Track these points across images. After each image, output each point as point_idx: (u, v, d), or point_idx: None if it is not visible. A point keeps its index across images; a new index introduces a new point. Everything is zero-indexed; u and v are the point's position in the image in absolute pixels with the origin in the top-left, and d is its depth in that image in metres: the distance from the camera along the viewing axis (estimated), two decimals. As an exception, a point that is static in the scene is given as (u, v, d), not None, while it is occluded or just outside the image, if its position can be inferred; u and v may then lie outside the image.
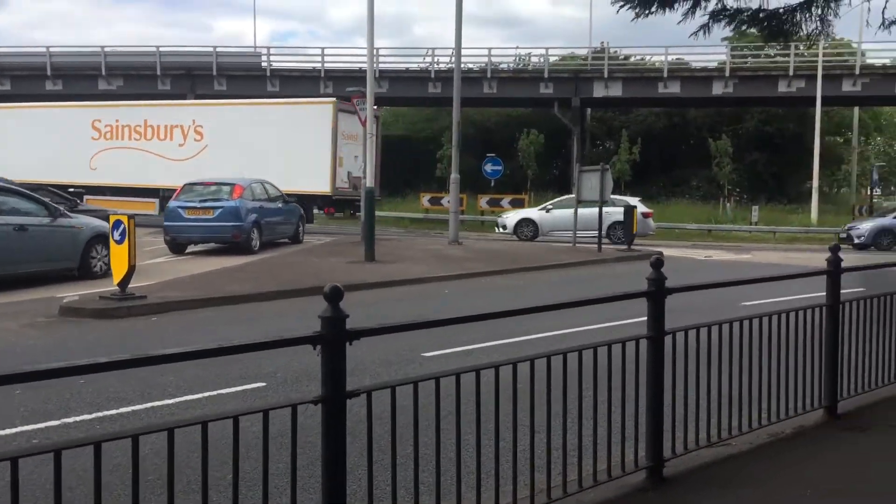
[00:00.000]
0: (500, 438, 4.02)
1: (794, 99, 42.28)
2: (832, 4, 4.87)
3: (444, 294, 14.24)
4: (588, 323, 9.48)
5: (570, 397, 4.45)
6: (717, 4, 4.81)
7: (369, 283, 14.69)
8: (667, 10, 4.72)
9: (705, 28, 5.12)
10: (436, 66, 42.55)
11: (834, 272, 6.23)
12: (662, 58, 42.32)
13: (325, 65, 43.76)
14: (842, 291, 6.29)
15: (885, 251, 27.29)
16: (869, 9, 4.71)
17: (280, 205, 22.23)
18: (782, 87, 40.56)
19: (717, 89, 41.26)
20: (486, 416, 3.98)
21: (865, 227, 29.58)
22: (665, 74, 41.23)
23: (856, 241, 28.68)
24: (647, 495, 4.58)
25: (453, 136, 23.97)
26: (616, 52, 49.13)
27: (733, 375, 5.35)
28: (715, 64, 42.19)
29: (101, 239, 14.48)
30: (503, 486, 4.09)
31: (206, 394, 7.06)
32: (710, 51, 41.01)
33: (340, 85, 36.16)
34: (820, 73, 38.15)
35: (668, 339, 4.90)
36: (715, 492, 4.64)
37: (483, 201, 35.83)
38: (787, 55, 39.85)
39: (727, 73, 40.62)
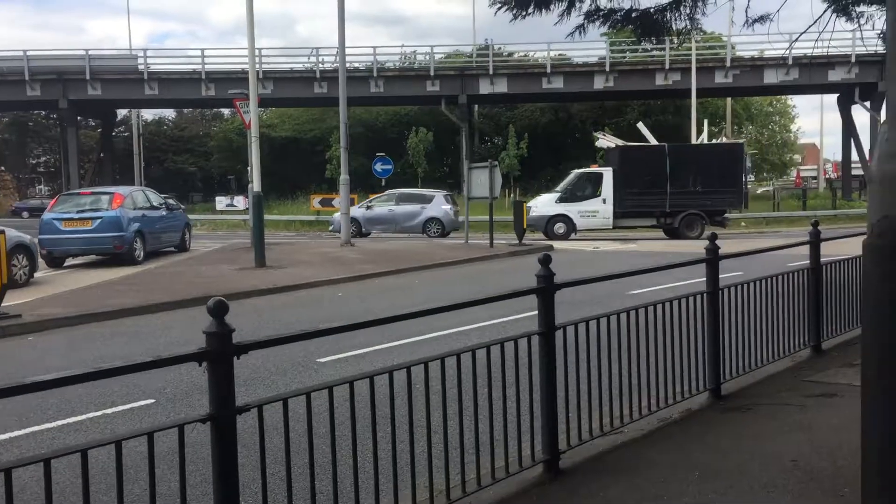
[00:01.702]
0: (397, 442, 3.99)
1: (670, 91, 44.04)
2: (700, 4, 5.08)
3: (338, 297, 14.10)
4: (483, 319, 9.57)
5: (466, 397, 4.47)
6: (591, 5, 4.94)
7: (261, 290, 14.39)
8: (543, 11, 4.81)
9: (580, 28, 5.25)
10: (321, 65, 42.09)
11: (713, 259, 6.49)
12: (545, 54, 43.24)
13: (206, 66, 42.61)
14: (721, 276, 6.57)
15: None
16: (733, 7, 4.94)
17: (164, 212, 21.49)
18: (659, 80, 42.17)
19: (599, 83, 42.51)
20: (382, 421, 3.94)
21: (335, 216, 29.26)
22: (548, 70, 42.17)
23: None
24: (545, 488, 4.65)
25: (341, 136, 23.76)
26: (500, 48, 49.87)
27: (623, 365, 5.50)
28: (595, 59, 43.42)
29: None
30: (402, 489, 4.06)
31: (91, 415, 6.74)
32: (591, 46, 42.19)
33: (223, 87, 35.33)
34: (694, 66, 39.83)
35: (559, 334, 4.99)
36: (609, 479, 4.75)
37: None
38: (663, 49, 41.43)
39: (607, 68, 41.89)
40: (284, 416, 3.52)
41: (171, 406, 6.97)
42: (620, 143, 31.92)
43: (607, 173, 29.21)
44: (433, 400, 4.17)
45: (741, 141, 31.65)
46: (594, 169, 30.78)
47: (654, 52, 43.60)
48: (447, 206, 30.16)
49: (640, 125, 33.33)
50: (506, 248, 22.16)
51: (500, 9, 4.92)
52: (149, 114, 64.54)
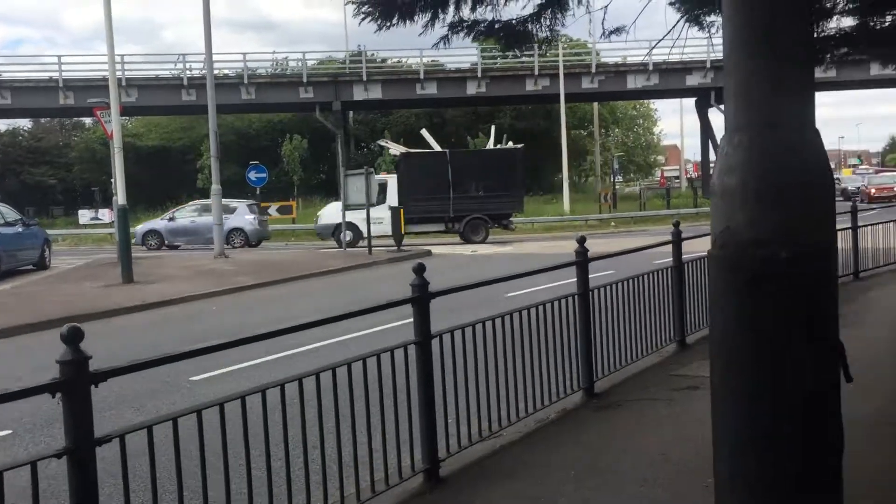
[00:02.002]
0: (271, 460, 3.89)
1: (540, 96, 45.14)
2: (559, 16, 5.22)
3: (212, 311, 13.66)
4: (363, 328, 9.49)
5: (345, 410, 4.41)
6: (454, 17, 4.97)
7: (128, 308, 13.77)
8: (408, 21, 4.81)
9: (445, 39, 5.29)
10: (189, 72, 40.73)
11: (582, 262, 6.67)
12: (418, 60, 43.48)
13: (64, 74, 40.43)
14: (592, 276, 6.77)
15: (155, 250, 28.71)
16: (590, 20, 5.11)
17: (20, 229, 20.25)
18: (529, 86, 43.16)
19: (471, 89, 43.09)
20: (255, 441, 3.82)
21: (138, 228, 30.05)
22: (422, 76, 42.40)
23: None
24: (425, 498, 4.64)
25: (211, 145, 23.09)
26: (374, 55, 49.84)
27: (500, 369, 5.57)
28: (468, 65, 44.02)
29: None
30: (279, 509, 3.96)
31: (-62, 452, 6.24)
32: (463, 53, 42.74)
33: (82, 95, 33.59)
34: (562, 72, 41.02)
35: (435, 342, 5.00)
36: (488, 484, 4.79)
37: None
38: (532, 56, 42.47)
39: (479, 74, 42.52)
40: (150, 444, 3.37)
41: (29, 437, 6.55)
42: (404, 149, 32.02)
43: (392, 180, 29.25)
44: (310, 415, 4.10)
45: (518, 146, 32.28)
46: (380, 176, 30.47)
47: (524, 59, 44.59)
48: (250, 217, 30.07)
49: (424, 132, 32.87)
50: (385, 254, 22.12)
51: (364, 19, 4.89)
52: (1, 124, 60.73)
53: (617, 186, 50.14)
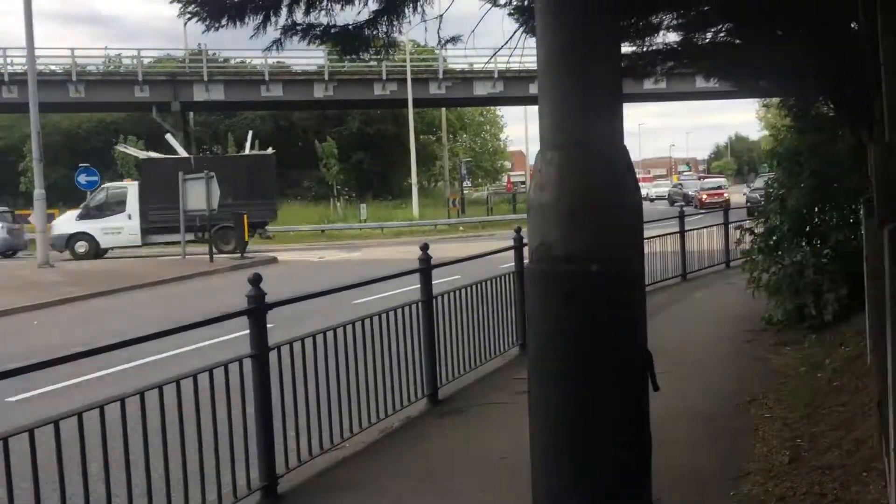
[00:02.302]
0: (91, 484, 3.63)
1: (389, 101, 45.25)
2: (395, 23, 5.20)
3: (34, 326, 12.72)
4: (202, 339, 9.10)
5: (174, 429, 4.18)
6: (287, 20, 4.83)
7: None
8: (238, 23, 4.63)
9: (278, 43, 5.14)
10: (9, 67, 37.90)
11: (426, 269, 6.69)
12: (263, 61, 42.49)
13: None
14: (439, 282, 6.80)
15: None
16: (426, 29, 5.12)
17: None
18: (378, 90, 43.17)
19: (319, 92, 42.59)
20: (73, 464, 3.55)
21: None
22: (267, 77, 41.48)
23: None
24: (262, 517, 4.48)
25: (33, 146, 21.57)
26: (216, 54, 48.23)
27: (342, 379, 5.47)
28: (315, 67, 43.48)
29: None
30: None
31: None
32: (310, 55, 42.16)
33: None
34: (409, 77, 41.31)
35: (273, 354, 4.84)
36: (329, 497, 4.70)
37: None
38: (381, 60, 42.51)
39: (326, 77, 42.09)
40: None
41: None
42: (143, 154, 30.49)
43: (132, 188, 27.68)
44: (136, 436, 3.86)
45: (270, 152, 31.42)
46: (120, 183, 29.11)
47: (373, 63, 44.60)
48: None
49: (168, 137, 31.34)
50: (227, 262, 21.43)
51: (191, 19, 4.67)
52: None
53: (465, 191, 51.06)
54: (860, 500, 3.76)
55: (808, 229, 8.95)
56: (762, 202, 26.03)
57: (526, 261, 2.06)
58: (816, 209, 9.01)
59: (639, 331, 1.95)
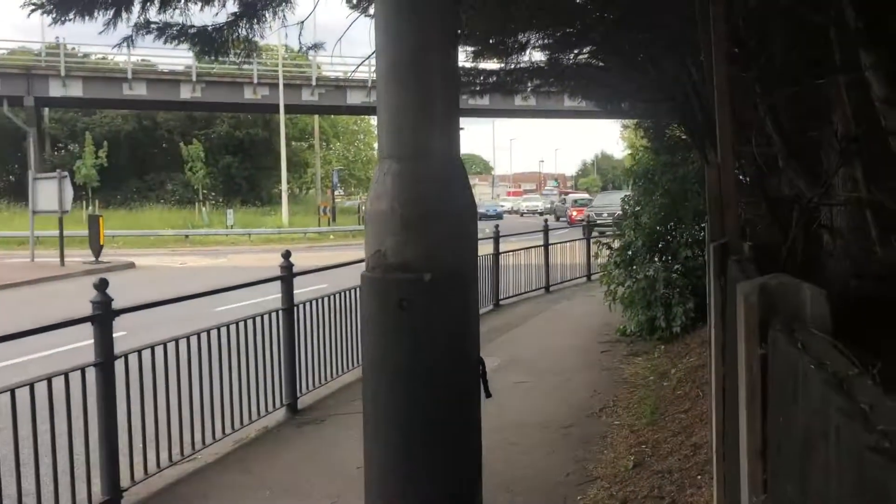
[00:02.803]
0: None
1: (260, 105, 44.36)
2: (255, 26, 5.10)
3: None
4: (45, 348, 8.59)
5: (6, 441, 3.92)
6: (140, 17, 4.64)
7: None
8: (87, 17, 4.40)
9: (129, 40, 4.93)
10: None
11: (287, 276, 6.59)
12: (126, 58, 40.74)
13: None
14: (305, 290, 6.70)
15: None
16: (287, 34, 5.05)
17: None
18: (248, 94, 42.25)
19: (186, 93, 41.26)
20: None
21: None
22: (130, 76, 39.81)
23: None
24: (104, 534, 4.27)
25: None
26: (75, 48, 45.86)
27: (195, 388, 5.30)
28: (182, 67, 42.09)
29: None
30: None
31: None
32: (177, 54, 40.84)
33: None
34: (281, 82, 40.68)
35: (120, 363, 4.64)
36: (177, 513, 4.53)
37: None
38: (251, 63, 41.62)
39: (194, 78, 40.84)
40: None
41: None
42: None
43: None
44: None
45: None
46: None
47: (244, 66, 43.60)
48: None
49: None
50: (81, 266, 20.33)
51: (35, 10, 4.40)
52: None
53: (337, 200, 50.63)
54: (694, 502, 3.98)
55: (660, 245, 9.42)
56: (596, 220, 27.93)
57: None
58: (669, 226, 9.49)
59: (472, 338, 2.00)
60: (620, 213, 20.77)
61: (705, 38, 3.14)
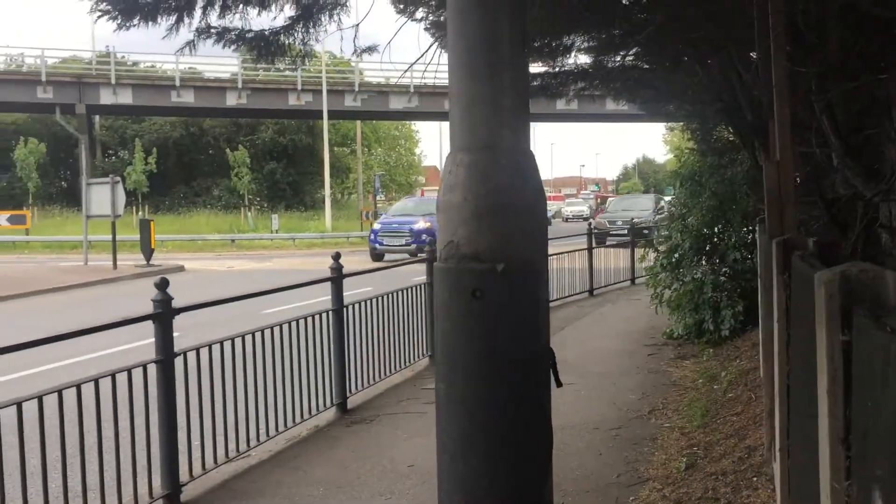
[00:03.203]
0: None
1: (303, 111, 44.88)
2: (312, 30, 5.20)
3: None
4: (105, 347, 8.82)
5: (74, 438, 4.05)
6: (201, 22, 4.78)
7: None
8: (150, 23, 4.54)
9: (191, 45, 5.06)
10: None
11: (336, 278, 6.68)
12: (174, 66, 41.55)
13: None
14: (350, 293, 6.79)
15: None
16: (342, 37, 5.14)
17: None
18: (292, 100, 42.76)
19: (231, 100, 41.89)
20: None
21: None
22: (177, 83, 40.55)
23: None
24: (164, 526, 4.38)
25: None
26: (124, 57, 46.88)
27: (250, 387, 5.41)
28: (228, 75, 42.77)
29: None
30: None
31: None
32: (223, 62, 41.50)
33: None
34: (325, 88, 41.06)
35: (179, 360, 4.76)
36: (233, 507, 4.62)
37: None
38: (296, 70, 42.14)
39: (240, 85, 41.45)
40: None
41: None
42: None
43: None
44: (34, 444, 3.73)
45: None
46: None
47: (287, 73, 44.15)
48: None
49: None
50: (132, 269, 20.77)
51: (101, 17, 4.55)
52: None
53: (378, 205, 50.96)
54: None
55: (707, 248, 9.34)
56: (609, 229, 25.83)
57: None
58: (716, 229, 9.40)
59: (542, 328, 2.03)
60: (639, 220, 20.17)
61: (761, 34, 3.14)
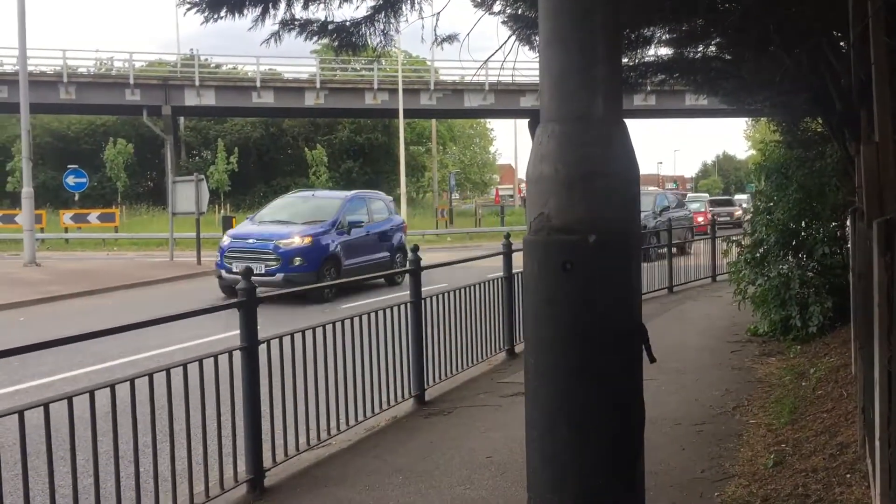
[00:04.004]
0: (79, 477, 3.62)
1: (379, 111, 45.30)
2: (392, 20, 5.24)
3: (20, 322, 12.64)
4: (188, 339, 9.10)
5: (162, 422, 4.18)
6: (286, 14, 4.87)
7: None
8: (237, 15, 4.65)
9: (276, 36, 5.16)
10: (0, 67, 37.79)
11: (415, 270, 6.72)
12: (255, 67, 42.50)
13: None
14: (426, 289, 6.83)
15: None
16: (423, 26, 5.17)
17: None
18: (369, 100, 43.20)
19: (310, 100, 42.59)
20: (61, 455, 3.55)
21: None
22: (258, 84, 41.44)
23: None
24: (249, 509, 4.48)
25: (23, 146, 21.47)
26: (207, 60, 48.19)
27: (330, 377, 5.48)
28: (306, 76, 43.51)
29: None
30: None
31: None
32: (301, 62, 42.31)
33: None
34: (401, 87, 41.34)
35: (262, 348, 4.85)
36: (315, 491, 4.69)
37: (67, 217, 32.52)
38: (372, 70, 42.60)
39: (318, 85, 42.10)
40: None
41: None
42: None
43: None
44: (125, 427, 3.85)
45: None
46: None
47: (364, 72, 44.68)
48: None
49: None
50: (215, 265, 21.33)
51: (190, 10, 4.68)
52: None
53: (453, 203, 51.09)
54: (844, 500, 3.81)
55: (794, 243, 9.04)
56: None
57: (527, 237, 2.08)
58: (804, 223, 9.09)
59: (634, 302, 1.99)
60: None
61: (857, 11, 3.01)
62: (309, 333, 5.34)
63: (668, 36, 9.68)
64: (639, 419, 2.00)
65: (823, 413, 5.40)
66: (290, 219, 15.77)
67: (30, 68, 24.33)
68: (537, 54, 2.27)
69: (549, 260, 1.88)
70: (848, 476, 4.07)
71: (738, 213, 42.89)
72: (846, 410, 5.23)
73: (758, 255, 9.30)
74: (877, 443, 2.43)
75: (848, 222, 7.32)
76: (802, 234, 9.05)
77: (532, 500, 2.06)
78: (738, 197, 59.70)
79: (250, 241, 14.99)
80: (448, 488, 4.64)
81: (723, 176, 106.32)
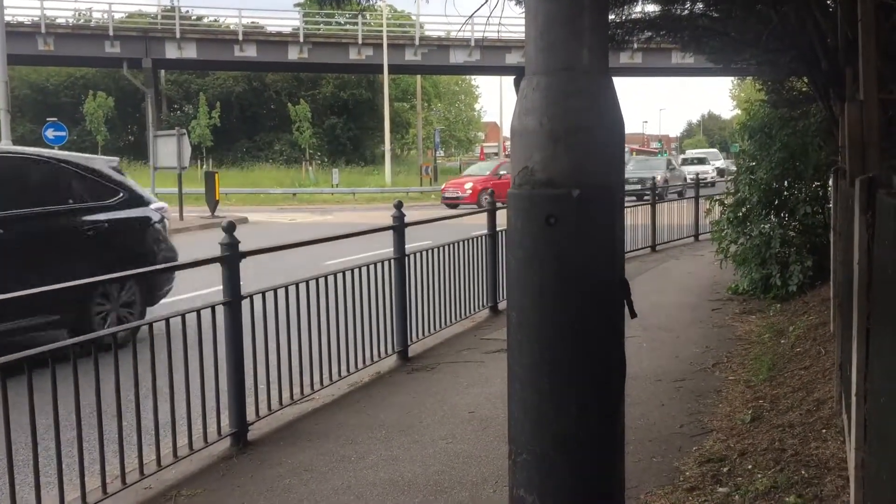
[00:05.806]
0: (62, 431, 3.63)
1: (364, 66, 44.85)
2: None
3: None
4: (174, 293, 9.06)
5: (146, 376, 4.18)
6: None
7: None
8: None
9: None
10: (-24, 16, 36.96)
11: (398, 227, 6.70)
12: (237, 20, 41.85)
13: None
14: (409, 246, 6.83)
15: None
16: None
17: None
18: (353, 55, 42.74)
19: (293, 54, 42.07)
20: (44, 410, 3.55)
21: None
22: (240, 38, 40.86)
23: None
24: (232, 461, 4.51)
25: (0, 97, 21.11)
26: (189, 11, 47.40)
27: (313, 332, 5.49)
28: (289, 29, 42.95)
29: None
30: (71, 479, 3.73)
31: None
32: (284, 16, 41.69)
33: None
34: (385, 42, 40.90)
35: (246, 303, 4.85)
36: (298, 446, 4.72)
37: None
38: (356, 24, 42.07)
39: (301, 39, 41.57)
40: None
41: None
42: None
43: None
44: (108, 383, 3.86)
45: None
46: None
47: (348, 27, 44.13)
48: None
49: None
50: (198, 220, 21.23)
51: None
52: None
53: (438, 160, 50.91)
54: (819, 455, 3.88)
55: (776, 202, 9.08)
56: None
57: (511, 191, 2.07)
58: (786, 183, 9.13)
59: (618, 256, 1.99)
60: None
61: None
62: (292, 289, 5.34)
63: (655, -8, 9.58)
64: (619, 372, 2.02)
65: (801, 370, 5.49)
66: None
67: (7, 18, 23.80)
68: (523, 9, 2.24)
69: (533, 214, 1.87)
70: (823, 431, 4.15)
71: (712, 173, 42.50)
72: (823, 367, 5.32)
73: (740, 214, 9.35)
74: (853, 398, 2.47)
75: (830, 182, 7.37)
76: (785, 193, 9.09)
77: (513, 451, 2.09)
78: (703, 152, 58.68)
79: None
80: (430, 442, 4.69)
81: (707, 135, 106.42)
